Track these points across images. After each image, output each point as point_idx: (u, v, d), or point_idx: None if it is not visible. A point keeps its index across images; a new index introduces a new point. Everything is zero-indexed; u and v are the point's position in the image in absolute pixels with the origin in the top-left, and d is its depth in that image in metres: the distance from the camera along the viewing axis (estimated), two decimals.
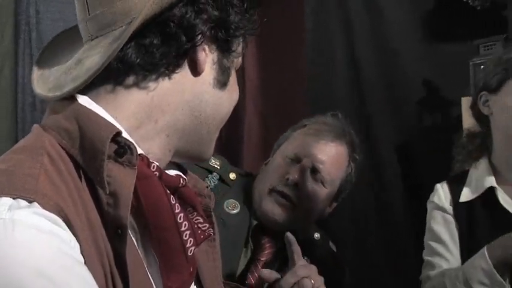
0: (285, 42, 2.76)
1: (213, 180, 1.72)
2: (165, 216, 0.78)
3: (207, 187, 0.97)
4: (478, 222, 1.63)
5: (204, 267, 0.93)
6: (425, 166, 2.48)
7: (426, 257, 1.70)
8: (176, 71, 0.82)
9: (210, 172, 1.73)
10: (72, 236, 0.69)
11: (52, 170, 0.72)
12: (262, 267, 1.54)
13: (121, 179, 0.74)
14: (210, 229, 0.87)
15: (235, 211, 1.67)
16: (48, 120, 0.80)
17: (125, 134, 0.78)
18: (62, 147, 0.76)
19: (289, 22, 2.72)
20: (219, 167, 1.74)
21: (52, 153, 0.74)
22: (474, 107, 1.72)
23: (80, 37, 0.85)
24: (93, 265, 0.70)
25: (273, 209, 1.63)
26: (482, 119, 1.71)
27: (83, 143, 0.75)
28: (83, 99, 0.80)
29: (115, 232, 0.73)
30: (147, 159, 0.80)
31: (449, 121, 2.46)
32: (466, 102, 1.94)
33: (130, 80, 0.80)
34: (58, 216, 0.68)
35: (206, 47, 0.83)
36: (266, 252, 1.64)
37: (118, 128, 0.76)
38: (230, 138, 2.76)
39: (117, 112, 0.80)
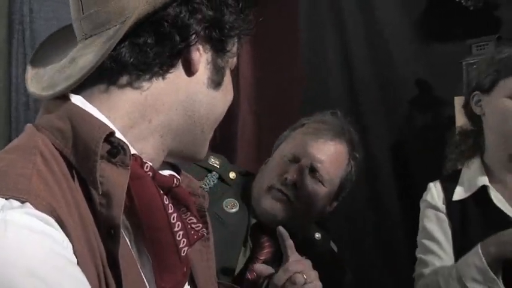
0: (279, 42, 2.76)
1: (212, 179, 1.71)
2: (158, 216, 0.78)
3: (201, 187, 0.97)
4: (471, 221, 1.64)
5: (197, 267, 0.93)
6: (419, 165, 2.49)
7: (419, 255, 1.70)
8: (170, 71, 0.82)
9: (210, 171, 1.73)
10: (65, 236, 0.69)
11: (45, 170, 0.72)
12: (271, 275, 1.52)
13: (114, 179, 0.74)
14: (204, 229, 0.87)
15: (234, 210, 1.67)
16: (42, 120, 0.80)
17: (118, 134, 0.78)
18: (55, 147, 0.76)
19: (284, 22, 2.73)
20: (218, 166, 1.74)
21: (45, 153, 0.74)
22: (466, 106, 1.73)
23: (75, 36, 0.85)
24: (86, 265, 0.70)
25: (272, 205, 1.63)
26: (475, 119, 1.72)
27: (76, 143, 0.75)
28: (77, 99, 0.80)
29: (108, 232, 0.73)
30: (141, 159, 0.80)
31: (442, 120, 2.47)
32: (458, 101, 1.95)
33: (124, 79, 0.80)
34: (51, 216, 0.68)
35: (200, 47, 0.83)
36: (265, 251, 1.63)
37: (111, 128, 0.76)
38: (224, 136, 2.76)
39: (111, 112, 0.80)
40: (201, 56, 0.84)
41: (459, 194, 1.68)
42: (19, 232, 0.65)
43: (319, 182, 1.66)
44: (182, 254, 0.80)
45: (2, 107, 2.75)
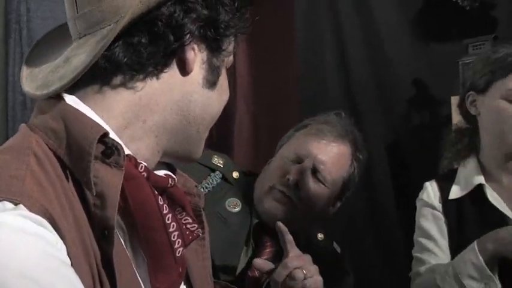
0: (276, 41, 2.76)
1: (215, 178, 1.71)
2: (153, 217, 0.78)
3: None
4: (467, 219, 1.65)
5: (193, 267, 0.93)
6: (416, 165, 2.49)
7: (415, 253, 1.71)
8: (164, 71, 0.82)
9: (213, 170, 1.72)
10: (59, 237, 0.68)
11: (39, 171, 0.72)
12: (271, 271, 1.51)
13: (108, 180, 0.74)
14: (199, 229, 0.86)
15: (236, 209, 1.67)
16: (35, 120, 0.79)
17: (112, 135, 0.78)
18: (49, 148, 0.75)
19: (280, 21, 2.73)
20: (222, 166, 1.74)
21: (39, 153, 0.74)
22: (462, 105, 1.74)
23: (70, 35, 0.85)
24: (80, 266, 0.70)
25: (273, 206, 1.63)
26: (470, 118, 1.73)
27: (69, 143, 0.75)
28: (71, 99, 0.79)
29: (102, 233, 0.73)
30: (135, 159, 0.79)
31: (439, 120, 2.47)
32: (455, 101, 1.95)
33: (118, 79, 0.80)
34: (44, 218, 0.68)
35: (195, 46, 0.83)
36: (267, 250, 1.63)
37: (105, 129, 0.76)
38: (221, 136, 2.76)
39: (105, 112, 0.80)
40: (196, 56, 0.83)
41: (455, 192, 1.68)
42: (12, 234, 0.65)
43: (321, 182, 1.65)
44: (177, 255, 0.80)
45: None
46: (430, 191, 1.72)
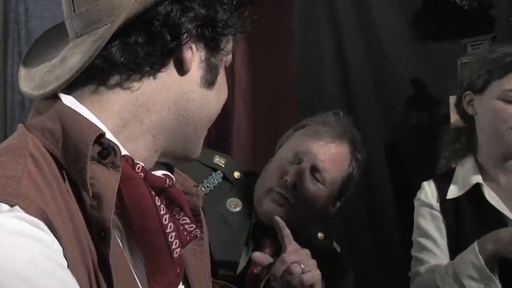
0: (274, 41, 2.76)
1: (216, 178, 1.71)
2: (150, 218, 0.78)
3: (195, 186, 0.97)
4: (465, 218, 1.65)
5: (191, 267, 0.92)
6: (415, 164, 2.49)
7: (414, 253, 1.71)
8: (161, 70, 0.81)
9: (214, 170, 1.72)
10: (55, 239, 0.68)
11: (35, 172, 0.71)
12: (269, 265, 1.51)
13: (104, 180, 0.73)
14: (197, 230, 0.86)
15: (237, 209, 1.67)
16: (32, 120, 0.79)
17: (109, 135, 0.78)
18: (46, 148, 0.75)
19: (279, 21, 2.73)
20: (223, 166, 1.74)
21: (35, 154, 0.73)
22: (459, 105, 1.74)
23: (68, 34, 0.84)
24: (76, 268, 0.69)
25: (272, 208, 1.62)
26: (467, 118, 1.73)
27: (65, 144, 0.74)
28: (67, 99, 0.79)
29: (99, 234, 0.73)
30: (132, 160, 0.79)
31: (438, 119, 2.47)
32: (453, 100, 1.95)
33: (114, 79, 0.79)
34: (40, 219, 0.67)
35: (193, 46, 0.82)
36: (266, 250, 1.63)
37: (101, 130, 0.76)
38: (219, 136, 2.76)
39: (102, 112, 0.79)
40: (194, 55, 0.83)
41: (453, 192, 1.69)
42: (8, 236, 0.65)
43: (320, 183, 1.65)
44: (175, 255, 0.80)
45: None
46: (428, 190, 1.73)
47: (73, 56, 0.79)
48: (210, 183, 1.68)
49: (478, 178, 1.66)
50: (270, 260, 1.43)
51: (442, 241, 1.66)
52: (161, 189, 0.83)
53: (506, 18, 2.34)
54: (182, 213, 0.85)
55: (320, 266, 1.42)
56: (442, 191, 1.70)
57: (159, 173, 0.86)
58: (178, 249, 0.80)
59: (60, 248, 0.68)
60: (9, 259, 0.64)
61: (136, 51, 0.78)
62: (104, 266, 0.72)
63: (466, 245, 1.54)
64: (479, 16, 2.38)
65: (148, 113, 0.81)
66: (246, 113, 2.83)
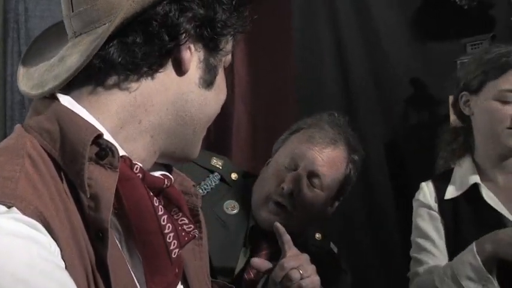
0: (274, 41, 2.76)
1: (214, 180, 1.71)
2: (148, 218, 0.77)
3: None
4: (463, 218, 1.65)
5: (190, 267, 0.92)
6: (414, 165, 2.49)
7: (413, 254, 1.71)
8: (160, 71, 0.81)
9: (212, 172, 1.72)
10: (53, 240, 0.68)
11: (33, 173, 0.71)
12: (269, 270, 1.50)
13: (102, 181, 0.73)
14: (195, 230, 0.86)
15: (234, 212, 1.67)
16: (30, 121, 0.79)
17: (107, 136, 0.78)
18: (44, 149, 0.75)
19: (278, 21, 2.72)
20: (221, 167, 1.73)
21: (33, 155, 0.73)
22: (456, 105, 1.74)
23: (67, 33, 0.84)
24: (74, 269, 0.69)
25: (270, 218, 1.61)
26: (464, 118, 1.73)
27: (63, 145, 0.74)
28: (66, 100, 0.79)
29: (96, 235, 0.72)
30: (130, 160, 0.79)
31: (437, 119, 2.47)
32: None
33: (113, 79, 0.79)
34: (38, 221, 0.67)
35: (191, 46, 0.82)
36: (263, 252, 1.63)
37: (99, 130, 0.76)
38: (219, 136, 2.76)
39: (100, 112, 0.79)
40: (192, 55, 0.82)
41: (451, 192, 1.69)
42: (5, 238, 0.64)
43: (317, 188, 1.65)
44: (173, 256, 0.80)
45: None
46: (426, 191, 1.73)
47: (71, 56, 0.78)
48: (207, 185, 1.68)
49: (475, 178, 1.66)
50: (269, 265, 1.43)
51: (441, 242, 1.66)
52: (159, 190, 0.82)
53: (506, 18, 2.34)
54: (181, 214, 0.84)
55: (317, 267, 1.43)
56: (440, 191, 1.70)
57: (157, 173, 0.86)
58: (177, 250, 0.80)
59: (57, 249, 0.68)
60: (7, 261, 0.63)
61: (134, 52, 0.78)
62: (101, 266, 0.72)
63: (464, 246, 1.54)
64: (478, 16, 2.38)
65: (147, 113, 0.81)
66: (245, 113, 2.83)
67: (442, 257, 1.64)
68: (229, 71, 2.69)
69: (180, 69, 0.82)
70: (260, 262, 1.45)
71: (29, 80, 0.83)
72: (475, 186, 1.66)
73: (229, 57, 0.90)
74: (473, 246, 1.51)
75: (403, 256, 1.86)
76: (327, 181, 1.66)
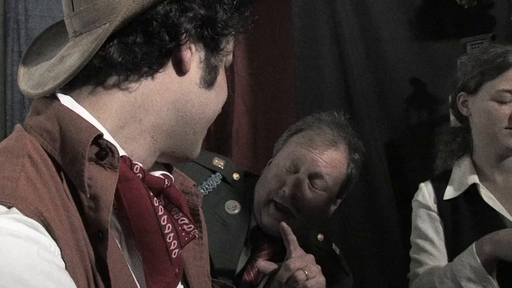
0: (273, 41, 2.76)
1: (215, 180, 1.71)
2: (148, 218, 0.77)
3: (194, 185, 0.96)
4: (462, 219, 1.65)
5: (190, 266, 0.92)
6: (414, 165, 2.49)
7: (413, 255, 1.71)
8: (160, 71, 0.81)
9: (214, 172, 1.72)
10: (53, 240, 0.68)
11: (33, 173, 0.71)
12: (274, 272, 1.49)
13: (102, 182, 0.73)
14: (195, 230, 0.86)
15: (235, 211, 1.67)
16: (31, 120, 0.79)
17: (107, 136, 0.78)
18: (44, 149, 0.75)
19: (278, 20, 2.72)
20: (222, 167, 1.73)
21: (33, 155, 0.73)
22: (453, 105, 1.74)
23: (67, 32, 0.84)
24: (74, 269, 0.69)
25: (271, 222, 1.62)
26: (462, 118, 1.73)
27: (63, 145, 0.74)
28: (66, 99, 0.79)
29: (96, 235, 0.72)
30: (130, 160, 0.79)
31: (438, 119, 2.47)
32: None
33: (113, 79, 0.79)
34: (38, 221, 0.67)
35: (192, 46, 0.82)
36: (264, 252, 1.63)
37: (99, 130, 0.75)
38: (219, 136, 2.76)
39: (100, 112, 0.79)
40: (193, 55, 0.82)
41: (450, 193, 1.69)
42: (5, 239, 0.64)
43: (319, 190, 1.64)
44: (173, 256, 0.80)
45: None
46: (425, 191, 1.73)
47: (71, 55, 0.78)
48: (209, 185, 1.68)
49: (474, 178, 1.66)
50: (274, 266, 1.43)
51: (440, 242, 1.66)
52: (159, 190, 0.82)
53: (506, 18, 2.34)
54: (181, 214, 0.84)
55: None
56: (439, 192, 1.70)
57: (157, 173, 0.86)
58: (177, 250, 0.80)
59: (57, 250, 0.68)
60: (6, 261, 0.63)
61: (135, 52, 0.77)
62: (101, 266, 0.72)
63: (463, 246, 1.54)
64: (479, 15, 2.37)
65: (147, 113, 0.81)
66: (245, 112, 2.82)
67: (441, 258, 1.64)
68: (230, 72, 2.69)
69: (181, 69, 0.82)
70: (266, 264, 1.44)
71: (30, 79, 0.83)
72: (473, 187, 1.65)
73: (230, 57, 0.90)
74: (473, 247, 1.50)
75: (403, 257, 1.86)
76: (328, 182, 1.65)
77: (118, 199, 0.76)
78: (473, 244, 1.51)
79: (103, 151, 0.74)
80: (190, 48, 0.82)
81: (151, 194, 0.79)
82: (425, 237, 1.67)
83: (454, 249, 1.61)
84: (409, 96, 2.56)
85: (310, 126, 1.73)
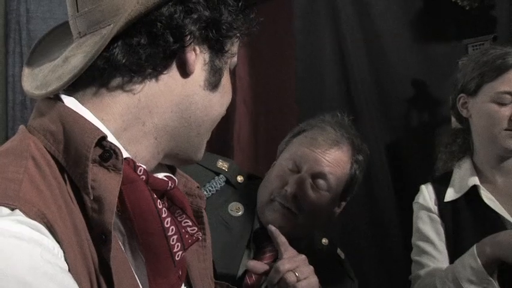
0: (275, 43, 2.76)
1: (219, 182, 1.70)
2: (151, 221, 0.77)
3: (198, 187, 0.96)
4: (463, 221, 1.65)
5: (194, 268, 0.92)
6: (414, 166, 2.49)
7: (414, 257, 1.70)
8: (164, 72, 0.81)
9: (217, 174, 1.71)
10: (56, 243, 0.68)
11: (36, 175, 0.71)
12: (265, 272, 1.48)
13: (105, 183, 0.73)
14: (199, 232, 0.85)
15: (239, 214, 1.65)
16: (34, 122, 0.79)
17: (111, 137, 0.77)
18: (47, 150, 0.75)
19: (280, 23, 2.72)
20: (226, 170, 1.72)
21: (37, 156, 0.73)
22: (454, 107, 1.74)
23: (72, 33, 0.84)
24: (77, 271, 0.69)
25: (274, 218, 1.60)
26: (463, 120, 1.73)
27: (67, 146, 0.74)
28: (69, 101, 0.79)
29: (100, 237, 0.72)
30: (134, 162, 0.78)
31: (439, 120, 2.47)
32: None
33: (117, 80, 0.79)
34: (41, 223, 0.67)
35: (197, 48, 0.82)
36: (267, 255, 1.61)
37: (103, 132, 0.75)
38: (220, 137, 2.76)
39: (104, 114, 0.79)
40: (197, 57, 0.82)
41: (450, 195, 1.68)
42: (8, 241, 0.64)
43: (322, 190, 1.63)
44: (176, 259, 0.79)
45: None
46: (426, 194, 1.72)
47: (75, 56, 0.78)
48: (212, 187, 1.67)
49: (475, 180, 1.66)
50: (265, 267, 1.41)
51: (441, 244, 1.66)
52: (163, 192, 0.82)
53: (508, 19, 2.35)
54: (184, 216, 0.84)
55: (323, 273, 1.41)
56: (440, 193, 1.70)
57: (161, 175, 0.86)
58: (180, 253, 0.80)
59: (61, 252, 0.68)
60: (9, 263, 0.63)
61: (139, 53, 0.77)
62: (105, 268, 0.72)
63: (464, 248, 1.54)
64: (480, 17, 2.38)
65: (151, 115, 0.81)
66: (247, 114, 2.83)
67: (442, 260, 1.64)
68: (231, 73, 2.68)
69: (185, 71, 0.82)
70: (256, 264, 1.44)
71: (33, 80, 0.83)
72: (474, 188, 1.65)
73: (235, 59, 0.90)
74: (474, 249, 1.50)
75: (404, 259, 1.86)
76: (331, 182, 1.64)
77: (121, 201, 0.76)
78: (474, 246, 1.51)
79: (107, 153, 0.74)
80: (194, 50, 0.81)
81: (155, 196, 0.79)
82: (427, 239, 1.67)
83: (455, 250, 1.61)
84: (410, 98, 2.57)
85: (313, 127, 1.73)
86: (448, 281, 1.53)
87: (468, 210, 1.65)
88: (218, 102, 0.88)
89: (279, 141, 1.80)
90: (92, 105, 0.79)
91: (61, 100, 0.79)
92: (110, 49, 0.76)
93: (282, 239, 1.43)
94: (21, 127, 0.80)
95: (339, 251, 1.80)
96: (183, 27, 0.78)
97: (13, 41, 2.76)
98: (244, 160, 2.74)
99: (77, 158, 0.73)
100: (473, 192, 1.65)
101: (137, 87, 0.80)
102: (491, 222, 1.60)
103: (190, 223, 0.84)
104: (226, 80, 0.89)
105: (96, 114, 0.78)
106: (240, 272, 1.59)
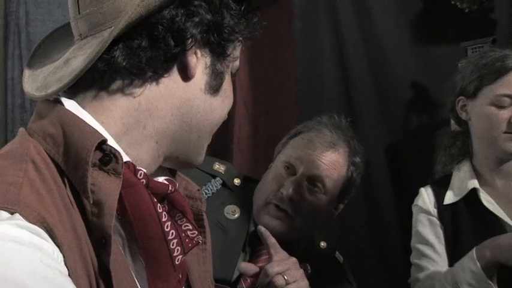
0: (275, 44, 2.76)
1: (215, 185, 1.69)
2: (151, 225, 0.77)
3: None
4: (462, 223, 1.65)
5: (194, 271, 0.92)
6: (414, 168, 2.49)
7: (414, 260, 1.70)
8: (165, 75, 0.80)
9: (214, 177, 1.71)
10: (56, 247, 0.67)
11: (36, 178, 0.71)
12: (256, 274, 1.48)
13: (105, 187, 0.72)
14: (199, 236, 0.85)
15: (235, 216, 1.65)
16: (34, 124, 0.79)
17: (111, 141, 0.77)
18: (47, 154, 0.74)
19: (279, 24, 2.72)
20: (223, 172, 1.72)
21: (37, 160, 0.73)
22: (453, 110, 1.74)
23: (73, 34, 0.84)
24: (77, 275, 0.69)
25: (270, 222, 1.60)
26: (462, 122, 1.73)
27: (67, 150, 0.74)
28: (70, 104, 0.79)
29: (99, 241, 0.72)
30: (134, 166, 0.78)
31: (438, 123, 2.47)
32: None
33: (117, 83, 0.79)
34: (41, 227, 0.67)
35: (198, 51, 0.81)
36: (262, 258, 1.60)
37: (103, 136, 0.75)
38: (220, 139, 2.76)
39: (104, 117, 0.79)
40: (199, 61, 0.82)
41: (450, 198, 1.68)
42: (8, 245, 0.64)
43: (318, 192, 1.63)
44: (176, 262, 0.79)
45: None
46: (426, 196, 1.72)
47: (76, 58, 0.78)
48: (208, 190, 1.67)
49: (474, 183, 1.66)
50: (256, 269, 1.41)
51: (441, 247, 1.65)
52: (163, 195, 0.82)
53: (507, 22, 2.35)
54: (185, 219, 0.84)
55: (322, 276, 1.40)
56: (439, 196, 1.70)
57: (161, 178, 0.85)
58: (180, 256, 0.80)
59: (60, 256, 0.68)
60: (9, 267, 0.63)
61: (139, 56, 0.77)
62: (104, 272, 0.72)
63: (464, 251, 1.54)
64: (479, 19, 2.38)
65: (151, 118, 0.81)
66: (246, 116, 2.82)
67: (442, 263, 1.64)
68: (233, 76, 2.68)
69: (186, 75, 0.81)
70: (248, 266, 1.43)
71: (34, 81, 0.83)
72: (473, 191, 1.65)
73: (237, 63, 0.89)
74: (474, 252, 1.50)
75: (404, 262, 1.85)
76: (327, 184, 1.63)
77: (121, 205, 0.75)
78: (474, 249, 1.51)
79: (107, 157, 0.74)
80: (195, 54, 0.81)
81: (155, 200, 0.78)
82: (426, 242, 1.67)
83: (454, 253, 1.61)
84: (410, 100, 2.57)
85: (310, 129, 1.72)
86: (447, 284, 1.52)
87: (467, 213, 1.65)
88: (219, 106, 0.87)
89: (278, 142, 1.80)
90: (92, 109, 0.79)
91: (61, 103, 0.79)
92: (110, 51, 0.76)
93: (271, 241, 1.42)
94: (21, 130, 0.79)
95: (337, 254, 1.79)
96: (184, 31, 0.78)
97: (12, 44, 2.76)
98: (243, 161, 2.74)
99: (77, 161, 0.73)
100: (472, 195, 1.65)
101: (137, 90, 0.79)
102: (491, 225, 1.60)
103: (190, 227, 0.84)
104: (227, 84, 0.88)
105: (96, 118, 0.78)
106: (235, 276, 1.58)
